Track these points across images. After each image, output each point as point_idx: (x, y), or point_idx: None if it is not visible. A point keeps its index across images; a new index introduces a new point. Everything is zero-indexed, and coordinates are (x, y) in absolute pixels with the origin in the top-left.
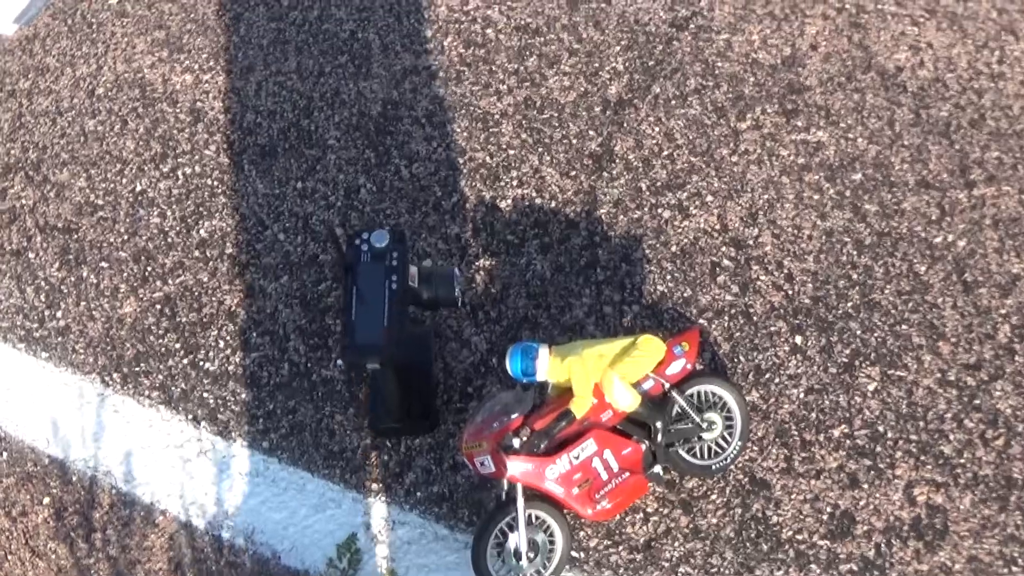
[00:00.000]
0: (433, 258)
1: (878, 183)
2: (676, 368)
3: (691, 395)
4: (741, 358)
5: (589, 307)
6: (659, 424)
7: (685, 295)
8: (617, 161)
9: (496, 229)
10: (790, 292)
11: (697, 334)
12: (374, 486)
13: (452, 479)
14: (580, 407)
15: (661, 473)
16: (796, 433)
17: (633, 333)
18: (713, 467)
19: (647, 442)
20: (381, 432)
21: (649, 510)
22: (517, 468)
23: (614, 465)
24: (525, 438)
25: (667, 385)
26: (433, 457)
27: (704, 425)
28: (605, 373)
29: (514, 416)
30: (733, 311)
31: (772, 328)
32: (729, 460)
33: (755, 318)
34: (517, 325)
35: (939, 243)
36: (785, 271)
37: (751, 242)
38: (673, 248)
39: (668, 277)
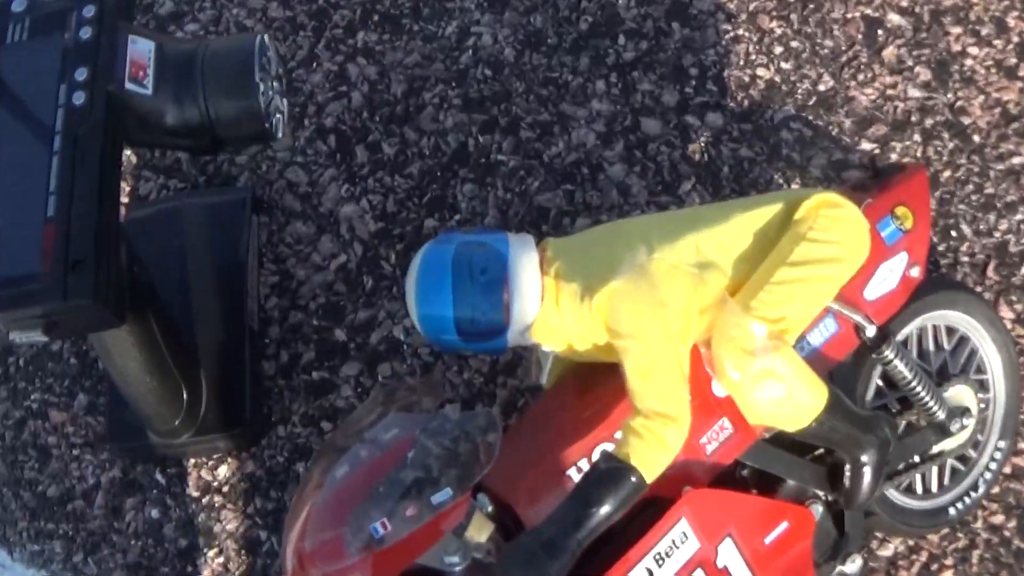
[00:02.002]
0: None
1: None
2: (889, 280)
3: (902, 342)
4: (965, 229)
5: (608, 122)
6: (867, 453)
7: (843, 81)
8: None
9: None
10: None
11: (924, 180)
12: None
13: None
14: (655, 453)
15: (859, 569)
16: None
17: (739, 186)
18: (952, 510)
19: (823, 494)
20: (137, 454)
21: None
22: None
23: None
24: (491, 546)
25: (869, 329)
26: (256, 509)
27: (951, 423)
28: (727, 313)
29: (441, 495)
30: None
31: None
32: (982, 488)
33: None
34: (443, 176)
35: None
36: None
37: None
38: None
39: (795, 43)
